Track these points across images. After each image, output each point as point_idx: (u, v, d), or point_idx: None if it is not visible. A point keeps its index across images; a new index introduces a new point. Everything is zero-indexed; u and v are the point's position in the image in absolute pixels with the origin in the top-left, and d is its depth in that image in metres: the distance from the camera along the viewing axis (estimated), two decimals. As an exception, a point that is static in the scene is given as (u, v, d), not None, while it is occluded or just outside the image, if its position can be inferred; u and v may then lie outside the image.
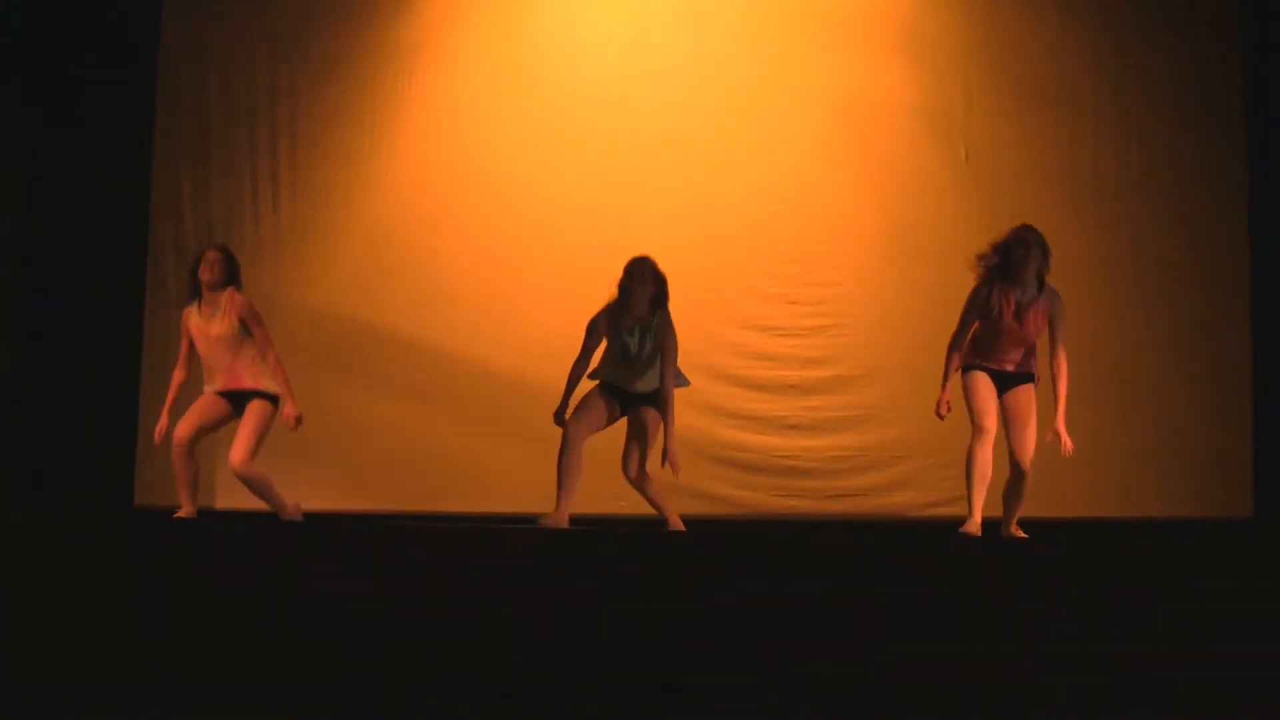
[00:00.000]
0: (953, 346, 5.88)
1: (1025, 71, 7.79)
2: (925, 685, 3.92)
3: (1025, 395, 5.82)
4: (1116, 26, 7.72)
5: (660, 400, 5.92)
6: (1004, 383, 5.81)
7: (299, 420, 6.34)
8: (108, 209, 8.21)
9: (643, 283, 5.93)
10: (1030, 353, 5.85)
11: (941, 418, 5.85)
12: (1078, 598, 4.08)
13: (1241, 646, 3.87)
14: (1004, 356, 5.80)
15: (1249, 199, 7.54)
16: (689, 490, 7.27)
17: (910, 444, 7.51)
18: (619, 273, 5.84)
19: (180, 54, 8.41)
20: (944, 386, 5.83)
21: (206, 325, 6.36)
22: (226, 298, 6.36)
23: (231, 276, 6.41)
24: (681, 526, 6.01)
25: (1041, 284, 5.79)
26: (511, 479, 7.40)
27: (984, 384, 5.79)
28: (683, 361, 6.08)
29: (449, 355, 7.96)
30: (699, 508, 7.36)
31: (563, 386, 6.04)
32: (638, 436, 6.02)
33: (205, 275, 6.34)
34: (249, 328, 6.37)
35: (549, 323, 7.59)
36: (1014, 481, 5.80)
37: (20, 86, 8.06)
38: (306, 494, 6.73)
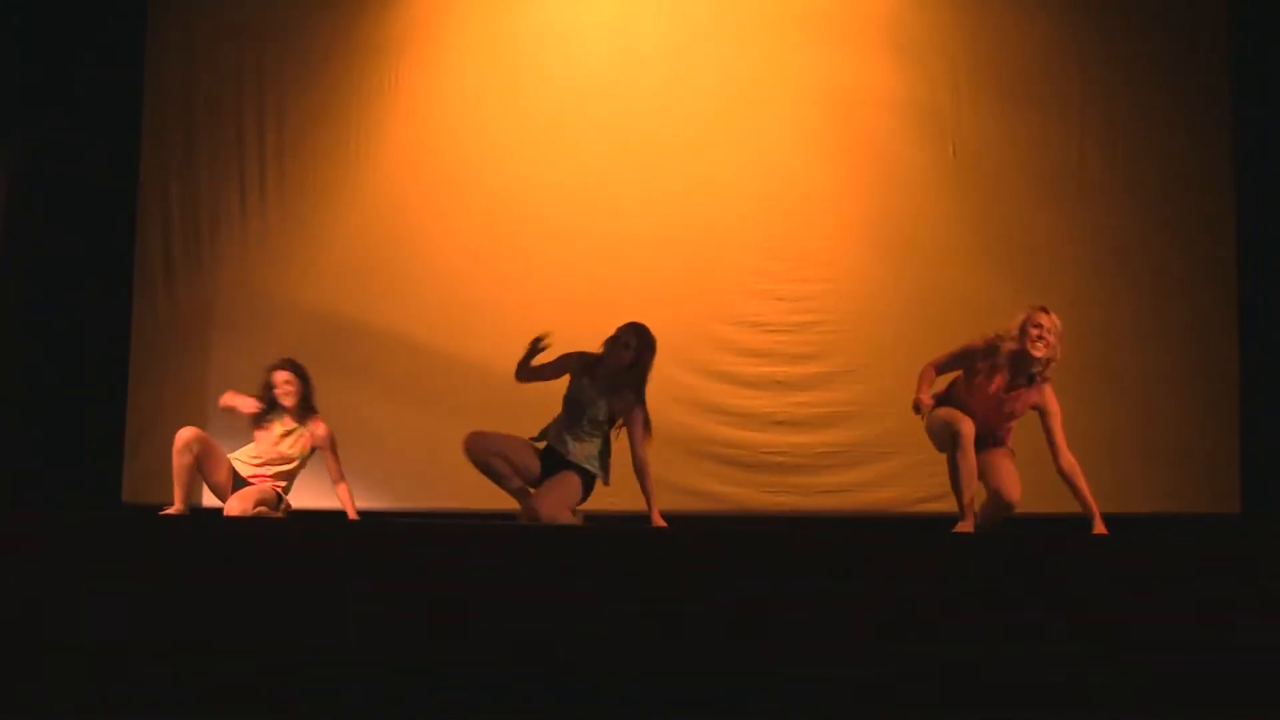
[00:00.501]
0: (930, 369, 5.71)
1: (1013, 69, 7.82)
2: (922, 683, 3.93)
3: (1001, 450, 5.63)
4: (1104, 25, 7.74)
5: (638, 474, 5.83)
6: (978, 443, 5.56)
7: None
8: (98, 209, 8.18)
9: (622, 350, 5.85)
10: (1007, 427, 5.66)
11: (918, 411, 5.69)
12: (1075, 594, 4.10)
13: (1239, 643, 3.90)
14: (976, 420, 5.54)
15: (1236, 199, 7.57)
16: (676, 486, 7.30)
17: (897, 440, 7.49)
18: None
19: (166, 53, 8.40)
20: (919, 390, 5.64)
21: (280, 439, 6.36)
22: (312, 427, 6.35)
23: (309, 401, 6.37)
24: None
25: (1034, 377, 5.47)
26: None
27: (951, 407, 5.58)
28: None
29: (439, 353, 7.96)
30: (685, 503, 7.38)
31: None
32: (552, 488, 5.87)
33: (285, 401, 6.32)
34: (326, 457, 6.38)
35: (539, 319, 7.55)
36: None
37: (15, 87, 8.02)
38: (300, 493, 6.72)
